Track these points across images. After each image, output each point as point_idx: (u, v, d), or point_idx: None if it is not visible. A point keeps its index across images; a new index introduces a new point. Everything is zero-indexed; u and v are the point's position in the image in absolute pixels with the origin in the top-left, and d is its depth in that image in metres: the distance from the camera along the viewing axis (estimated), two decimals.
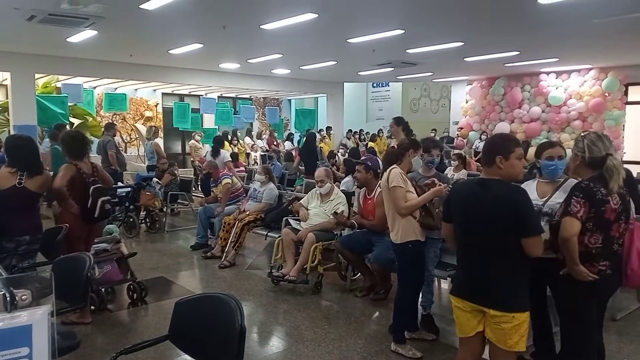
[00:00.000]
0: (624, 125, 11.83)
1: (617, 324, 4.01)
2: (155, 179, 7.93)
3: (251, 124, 17.07)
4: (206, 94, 15.64)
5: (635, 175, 8.69)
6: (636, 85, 11.74)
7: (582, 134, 2.73)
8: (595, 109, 11.85)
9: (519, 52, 9.85)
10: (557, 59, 10.82)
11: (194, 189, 9.34)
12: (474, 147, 13.32)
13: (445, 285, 4.81)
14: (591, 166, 2.59)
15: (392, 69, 12.00)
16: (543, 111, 12.96)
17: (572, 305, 2.66)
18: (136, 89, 15.19)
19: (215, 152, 8.82)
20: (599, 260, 2.54)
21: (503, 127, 13.35)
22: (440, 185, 3.49)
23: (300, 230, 5.07)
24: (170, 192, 8.12)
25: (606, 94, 11.79)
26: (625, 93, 11.80)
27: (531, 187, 3.18)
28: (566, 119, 12.47)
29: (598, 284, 2.53)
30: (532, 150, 12.14)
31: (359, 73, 13.28)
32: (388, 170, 3.55)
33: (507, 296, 2.35)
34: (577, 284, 2.55)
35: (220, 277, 5.58)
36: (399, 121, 6.04)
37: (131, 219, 7.46)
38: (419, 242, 3.50)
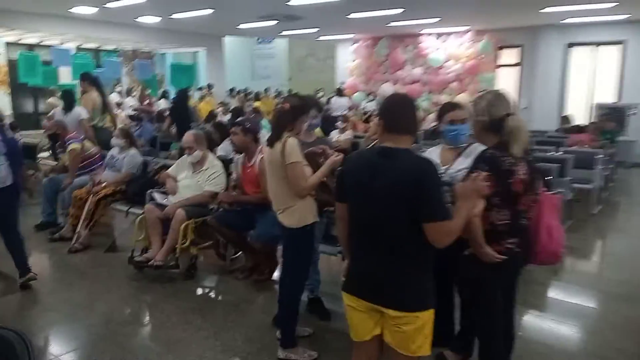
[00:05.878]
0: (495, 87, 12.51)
1: None
2: None
3: (118, 79, 15.16)
4: (62, 43, 13.41)
5: None
6: (506, 48, 12.38)
7: (479, 95, 2.35)
8: (470, 70, 12.32)
9: (403, 10, 9.66)
10: (439, 19, 10.88)
11: (44, 153, 7.89)
12: (361, 108, 13.18)
13: (334, 259, 4.40)
14: (494, 130, 2.23)
15: (276, 21, 11.19)
16: (424, 72, 13.19)
17: (476, 289, 2.34)
18: None
19: (69, 107, 7.43)
20: (506, 238, 2.21)
21: (387, 88, 13.39)
22: (333, 154, 2.89)
23: (167, 206, 4.29)
24: None
25: (481, 56, 12.28)
26: (497, 56, 12.40)
27: (434, 155, 2.82)
28: (445, 81, 12.82)
29: (504, 265, 2.22)
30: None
31: (239, 26, 12.27)
32: (283, 140, 2.75)
33: (409, 293, 1.92)
34: (481, 266, 2.22)
35: (71, 263, 4.61)
36: (84, 77, 6.59)
37: None
38: (315, 223, 2.92)
